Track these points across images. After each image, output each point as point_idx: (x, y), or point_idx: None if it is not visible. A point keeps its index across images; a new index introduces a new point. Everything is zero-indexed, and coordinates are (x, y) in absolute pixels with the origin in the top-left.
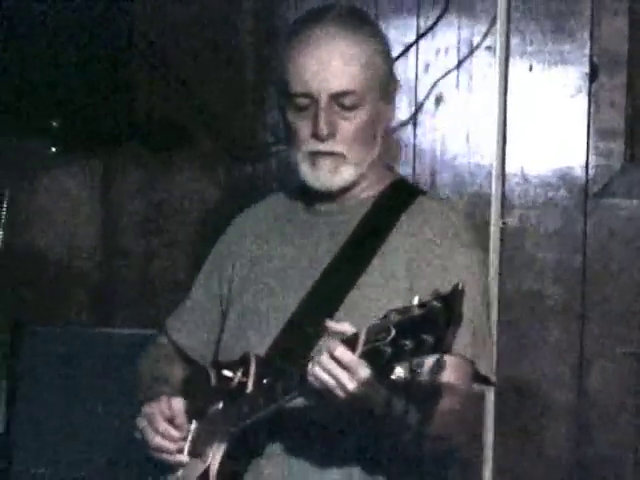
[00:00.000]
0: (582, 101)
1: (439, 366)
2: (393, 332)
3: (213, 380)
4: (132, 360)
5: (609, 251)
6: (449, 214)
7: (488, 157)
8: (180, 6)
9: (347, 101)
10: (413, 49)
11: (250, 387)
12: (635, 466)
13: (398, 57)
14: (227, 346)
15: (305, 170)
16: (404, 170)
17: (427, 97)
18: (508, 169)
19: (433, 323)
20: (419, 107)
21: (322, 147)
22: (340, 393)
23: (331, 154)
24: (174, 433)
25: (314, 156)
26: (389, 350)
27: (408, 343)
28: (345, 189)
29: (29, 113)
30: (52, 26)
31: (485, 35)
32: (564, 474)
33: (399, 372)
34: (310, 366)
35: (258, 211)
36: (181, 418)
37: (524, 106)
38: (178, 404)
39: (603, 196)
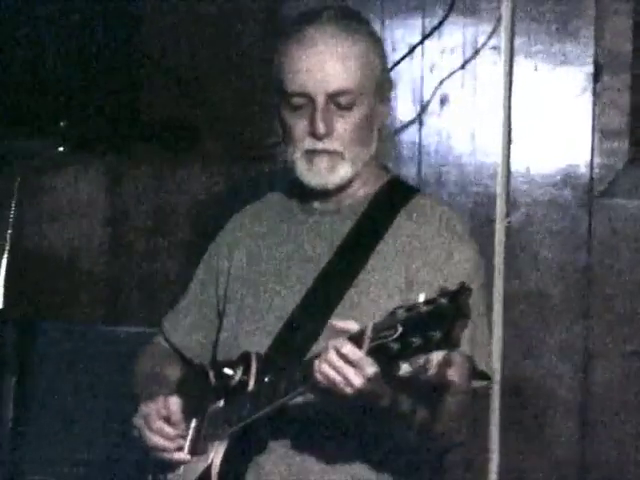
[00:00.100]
0: (586, 101)
1: (446, 362)
2: (400, 329)
3: (212, 379)
4: None
5: (613, 250)
6: (445, 212)
7: (493, 156)
8: (188, 6)
9: (343, 100)
10: (419, 49)
11: (251, 385)
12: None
13: (404, 57)
14: (225, 345)
15: (301, 168)
16: (409, 169)
17: (432, 97)
18: (513, 168)
19: (441, 320)
20: (424, 107)
21: (319, 146)
22: (347, 389)
23: (328, 152)
24: (169, 431)
25: (311, 154)
26: (396, 347)
27: (415, 340)
28: (341, 188)
29: (37, 112)
30: (61, 26)
31: (490, 35)
32: (568, 472)
33: (406, 368)
34: (317, 363)
35: (254, 211)
36: (177, 417)
37: (529, 106)
38: (174, 403)
39: (607, 195)
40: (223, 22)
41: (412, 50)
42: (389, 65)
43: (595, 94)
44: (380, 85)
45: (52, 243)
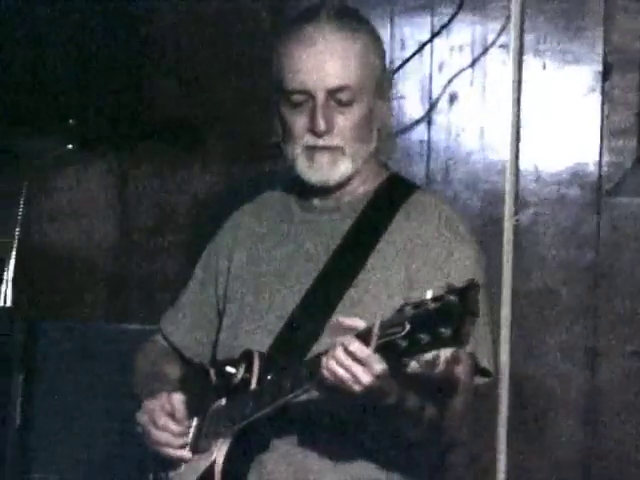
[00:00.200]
0: (595, 99)
1: (454, 359)
2: (408, 326)
3: (213, 377)
4: None
5: (621, 248)
6: (445, 208)
7: (502, 154)
8: (196, 5)
9: (343, 97)
10: (428, 47)
11: (254, 383)
12: None
13: (413, 55)
14: (225, 345)
15: (302, 165)
16: (418, 167)
17: (441, 95)
18: (522, 166)
19: (449, 317)
20: (433, 105)
21: (319, 142)
22: (355, 387)
23: (329, 148)
24: (174, 427)
25: (311, 151)
26: (404, 344)
27: (424, 337)
28: (341, 185)
29: (46, 111)
30: (65, 25)
31: (499, 33)
32: (574, 470)
33: (414, 365)
34: (324, 360)
35: (253, 209)
36: (181, 413)
37: (538, 104)
38: (178, 400)
39: (615, 194)
40: (225, 22)
41: (421, 48)
42: (398, 63)
43: (604, 93)
44: (380, 83)
45: (57, 242)
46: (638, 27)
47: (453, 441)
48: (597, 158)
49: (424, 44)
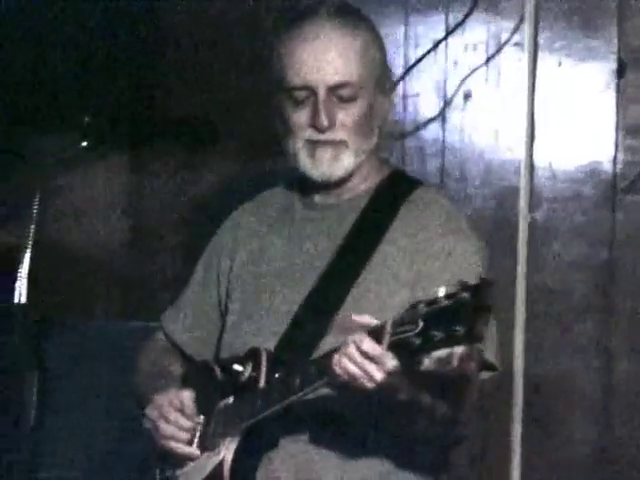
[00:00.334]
0: (610, 97)
1: (468, 356)
2: (421, 324)
3: (218, 375)
4: None
5: (636, 246)
6: (447, 204)
7: (516, 152)
8: (209, 4)
9: (344, 93)
10: (442, 45)
11: (262, 381)
12: None
13: (427, 53)
14: (229, 343)
15: (304, 160)
16: (433, 165)
17: (456, 93)
18: (536, 164)
19: (463, 314)
20: (448, 103)
21: (322, 137)
22: (368, 384)
23: (331, 143)
24: (184, 422)
25: (313, 145)
26: (418, 341)
27: (437, 334)
28: (342, 181)
29: (60, 108)
30: (84, 23)
31: (514, 31)
32: (588, 469)
33: (427, 363)
34: (336, 357)
35: (254, 207)
36: (191, 409)
37: (552, 102)
38: (187, 396)
39: (630, 192)
40: (242, 19)
41: (435, 46)
42: (412, 61)
43: (619, 90)
44: (380, 77)
45: (73, 239)
46: None
47: (460, 437)
48: (612, 156)
49: (438, 42)
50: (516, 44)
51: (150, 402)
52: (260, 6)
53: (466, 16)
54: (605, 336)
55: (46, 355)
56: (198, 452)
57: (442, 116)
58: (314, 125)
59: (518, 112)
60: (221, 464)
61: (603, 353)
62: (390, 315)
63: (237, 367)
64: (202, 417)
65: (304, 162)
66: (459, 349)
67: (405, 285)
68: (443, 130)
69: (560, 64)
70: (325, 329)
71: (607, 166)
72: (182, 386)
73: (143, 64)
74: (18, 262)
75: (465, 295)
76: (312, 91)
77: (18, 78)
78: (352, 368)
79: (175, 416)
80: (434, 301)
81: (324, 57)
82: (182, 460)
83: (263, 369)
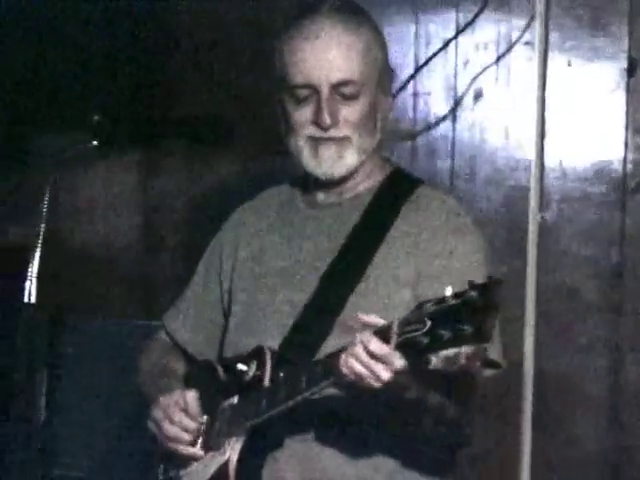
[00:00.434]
0: (620, 96)
1: (476, 355)
2: (429, 323)
3: (222, 374)
4: None
5: None
6: (449, 202)
7: (527, 151)
8: (222, 3)
9: (347, 91)
10: (452, 44)
11: (266, 381)
12: None
13: (437, 52)
14: (232, 343)
15: (306, 157)
16: (443, 164)
17: (466, 92)
18: (546, 164)
19: (471, 313)
20: (458, 102)
21: (325, 134)
22: (375, 384)
23: (335, 140)
24: (188, 423)
25: (316, 143)
26: (425, 341)
27: (445, 333)
28: (345, 179)
29: (71, 106)
30: (95, 21)
31: (524, 30)
32: (598, 467)
33: (435, 362)
34: (344, 357)
35: (256, 206)
36: (195, 409)
37: (562, 101)
38: (192, 396)
39: None
40: (255, 17)
41: (446, 45)
42: (423, 60)
43: (629, 89)
44: (382, 76)
45: (84, 238)
46: None
47: (466, 437)
48: (622, 155)
49: (449, 41)
50: (526, 43)
51: (154, 402)
52: (273, 4)
53: (476, 15)
54: (614, 335)
55: (58, 353)
56: (202, 453)
57: (452, 115)
58: (317, 122)
59: (528, 111)
60: (226, 464)
61: (613, 353)
62: (393, 314)
63: (241, 366)
64: (206, 417)
65: (307, 160)
66: (467, 349)
67: (407, 285)
68: (453, 129)
69: (570, 63)
70: (328, 329)
71: (617, 165)
72: (184, 386)
73: (155, 62)
74: (28, 262)
75: (473, 294)
76: (314, 89)
77: (28, 78)
78: (359, 368)
79: (179, 417)
80: (442, 300)
81: (326, 55)
82: (186, 460)
83: (268, 368)
